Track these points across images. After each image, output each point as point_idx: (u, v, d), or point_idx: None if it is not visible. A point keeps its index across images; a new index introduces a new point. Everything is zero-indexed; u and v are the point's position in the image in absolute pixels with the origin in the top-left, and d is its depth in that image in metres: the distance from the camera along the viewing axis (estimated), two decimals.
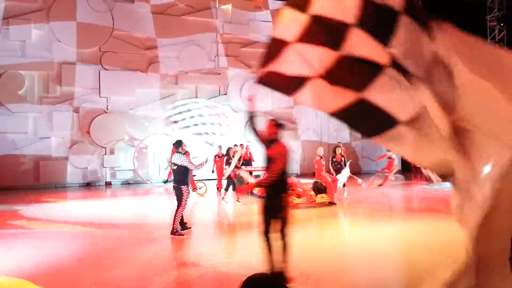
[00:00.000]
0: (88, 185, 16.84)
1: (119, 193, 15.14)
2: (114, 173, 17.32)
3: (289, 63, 2.75)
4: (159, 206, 11.86)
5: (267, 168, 4.85)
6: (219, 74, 18.96)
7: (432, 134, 2.61)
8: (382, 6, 2.69)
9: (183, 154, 7.72)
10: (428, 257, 6.22)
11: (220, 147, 14.25)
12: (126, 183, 17.40)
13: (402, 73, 2.66)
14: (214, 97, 18.70)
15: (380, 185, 14.69)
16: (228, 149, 13.05)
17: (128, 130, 17.48)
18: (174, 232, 7.48)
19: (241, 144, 14.96)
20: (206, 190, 13.58)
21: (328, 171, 12.13)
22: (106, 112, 17.28)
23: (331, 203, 10.87)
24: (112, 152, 17.25)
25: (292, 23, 2.76)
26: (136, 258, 6.19)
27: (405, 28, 2.66)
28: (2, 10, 15.90)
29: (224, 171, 13.56)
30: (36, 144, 16.16)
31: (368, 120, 2.69)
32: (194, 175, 13.58)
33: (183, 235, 7.54)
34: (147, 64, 18.02)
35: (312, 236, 8.07)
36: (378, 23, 2.70)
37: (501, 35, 19.01)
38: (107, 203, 13.04)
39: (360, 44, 2.68)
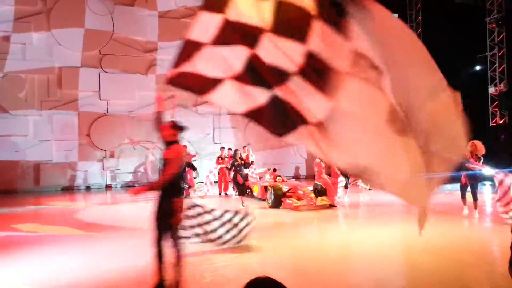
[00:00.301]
0: (88, 188, 16.84)
1: (119, 196, 15.14)
2: (114, 176, 17.31)
3: (202, 64, 2.80)
4: None
5: (161, 170, 4.77)
6: None
7: (340, 139, 2.68)
8: (295, 11, 2.79)
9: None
10: (428, 258, 6.23)
11: (223, 148, 14.12)
12: (127, 186, 17.39)
13: (313, 79, 2.74)
14: None
15: (370, 188, 14.32)
16: (235, 151, 12.87)
17: (129, 133, 17.49)
18: None
19: (243, 146, 14.95)
20: (206, 192, 13.58)
21: (332, 174, 12.04)
22: (106, 115, 17.29)
23: (331, 206, 10.88)
24: (112, 155, 17.26)
25: (208, 25, 2.84)
26: (135, 260, 6.19)
27: (318, 32, 2.76)
28: (11, 13, 15.92)
29: (228, 175, 13.51)
30: (37, 147, 16.17)
31: (281, 117, 2.74)
32: (194, 177, 13.58)
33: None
34: (147, 66, 18.05)
35: (313, 238, 8.07)
36: (291, 28, 2.79)
37: (500, 37, 19.04)
38: (107, 206, 13.05)
39: (273, 49, 2.77)
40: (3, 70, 15.88)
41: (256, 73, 2.76)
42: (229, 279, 5.35)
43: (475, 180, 9.22)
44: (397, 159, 2.69)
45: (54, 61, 16.53)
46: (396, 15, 21.28)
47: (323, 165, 11.39)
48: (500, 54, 19.06)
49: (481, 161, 9.06)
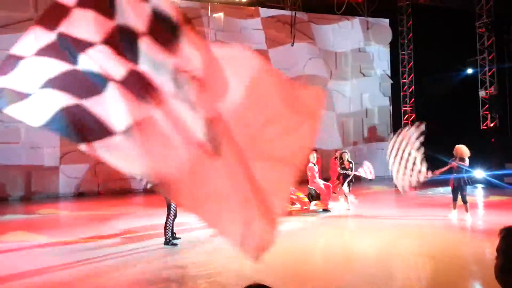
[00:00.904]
0: (81, 195, 16.70)
1: (112, 202, 15.03)
2: (106, 183, 17.18)
3: (14, 79, 2.85)
4: (152, 215, 11.77)
5: None
6: None
7: (147, 144, 2.73)
8: (122, 26, 2.88)
9: None
10: (420, 261, 6.26)
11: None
12: (119, 193, 17.26)
13: (135, 89, 2.81)
14: None
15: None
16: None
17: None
18: (167, 242, 7.45)
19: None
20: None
21: (336, 178, 11.78)
22: None
23: (325, 210, 10.89)
24: (105, 162, 17.11)
25: (36, 40, 2.88)
26: (128, 268, 6.15)
27: (146, 46, 2.86)
28: (1, 19, 15.86)
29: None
30: (28, 154, 16.02)
31: (82, 126, 2.78)
32: None
33: (177, 244, 7.51)
34: None
35: (306, 243, 8.06)
36: (122, 43, 2.88)
37: (489, 41, 19.25)
38: (99, 212, 12.95)
39: (98, 60, 2.84)
40: None
41: (67, 83, 2.79)
42: (223, 286, 5.33)
43: (461, 183, 9.26)
44: (200, 179, 2.70)
45: None
46: (387, 20, 21.53)
47: (316, 170, 11.40)
48: (490, 58, 19.27)
49: (467, 163, 9.18)
